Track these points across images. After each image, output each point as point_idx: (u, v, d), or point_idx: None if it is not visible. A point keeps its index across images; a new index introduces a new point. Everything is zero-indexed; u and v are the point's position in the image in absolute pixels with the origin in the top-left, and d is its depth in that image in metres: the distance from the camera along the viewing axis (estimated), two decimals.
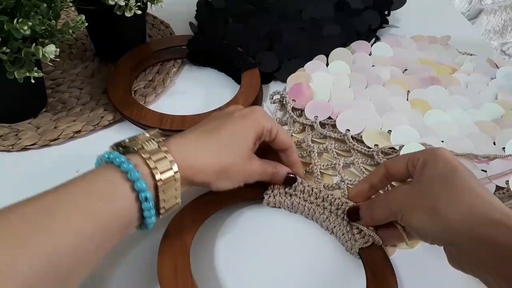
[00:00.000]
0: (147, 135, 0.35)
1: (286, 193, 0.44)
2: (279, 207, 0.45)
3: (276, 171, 0.43)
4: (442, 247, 0.35)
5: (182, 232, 0.39)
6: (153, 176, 0.32)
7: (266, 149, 0.43)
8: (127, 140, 0.35)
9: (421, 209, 0.35)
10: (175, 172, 0.33)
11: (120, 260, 0.40)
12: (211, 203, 0.42)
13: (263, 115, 0.41)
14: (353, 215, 0.41)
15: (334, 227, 0.42)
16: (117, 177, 0.31)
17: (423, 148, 0.48)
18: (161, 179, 0.32)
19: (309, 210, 0.43)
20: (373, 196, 0.42)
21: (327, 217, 0.43)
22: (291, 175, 0.43)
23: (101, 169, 0.32)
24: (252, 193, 0.44)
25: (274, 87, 0.60)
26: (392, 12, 0.71)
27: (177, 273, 0.36)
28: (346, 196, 0.45)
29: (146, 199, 0.32)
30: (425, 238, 0.35)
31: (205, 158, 0.36)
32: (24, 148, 0.50)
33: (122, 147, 0.34)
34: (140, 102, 0.55)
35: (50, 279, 0.27)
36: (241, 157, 0.38)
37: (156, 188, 0.33)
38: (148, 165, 0.32)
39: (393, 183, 0.44)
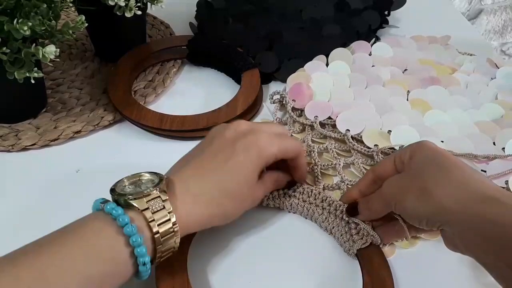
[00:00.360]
0: (155, 191, 0.33)
1: (285, 194, 0.44)
2: (278, 208, 0.45)
3: (276, 184, 0.43)
4: (443, 246, 0.35)
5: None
6: (153, 237, 0.32)
7: None
8: (131, 193, 0.33)
9: (412, 192, 0.35)
10: (174, 223, 0.33)
11: None
12: None
13: (268, 141, 0.38)
14: (352, 210, 0.41)
15: (333, 227, 0.42)
16: (119, 241, 0.30)
17: None
18: (158, 231, 0.32)
19: (308, 211, 0.43)
20: None
21: (326, 218, 0.43)
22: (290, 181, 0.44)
23: (102, 227, 0.31)
24: None
25: (274, 87, 0.60)
26: (392, 12, 0.71)
27: (174, 277, 0.36)
28: None
29: (144, 263, 0.31)
30: (419, 221, 0.35)
31: (206, 210, 0.36)
32: (24, 148, 0.50)
33: (124, 195, 0.33)
34: (140, 102, 0.55)
35: None
36: (241, 200, 0.38)
37: (153, 242, 0.32)
38: (150, 229, 0.32)
39: None
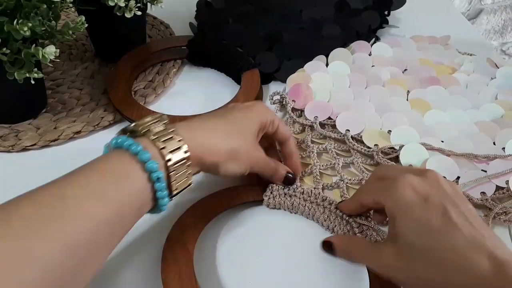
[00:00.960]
0: (152, 117, 0.35)
1: (285, 194, 0.44)
2: (279, 209, 0.45)
3: (278, 167, 0.43)
4: None
5: (184, 237, 0.39)
6: (163, 156, 0.32)
7: (265, 147, 0.44)
8: (132, 125, 0.34)
9: (410, 278, 0.33)
10: (185, 152, 0.33)
11: (124, 264, 0.40)
12: (210, 207, 0.42)
13: (265, 108, 0.43)
14: (328, 247, 0.40)
15: (335, 226, 0.42)
16: (128, 159, 0.31)
17: (423, 148, 0.48)
18: (171, 159, 0.32)
19: (310, 210, 0.43)
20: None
21: (327, 216, 0.43)
22: (291, 175, 0.44)
23: (111, 153, 0.32)
24: (252, 195, 0.44)
25: (274, 87, 0.60)
26: (392, 12, 0.71)
27: (181, 278, 0.36)
28: (346, 197, 0.45)
29: (158, 179, 0.31)
30: None
31: (215, 138, 0.37)
32: (24, 149, 0.50)
33: (129, 132, 0.34)
34: (140, 103, 0.55)
35: (69, 265, 0.27)
36: (249, 141, 0.39)
37: (167, 168, 0.32)
38: (157, 146, 0.32)
39: None
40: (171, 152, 0.32)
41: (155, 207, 0.33)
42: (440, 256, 0.31)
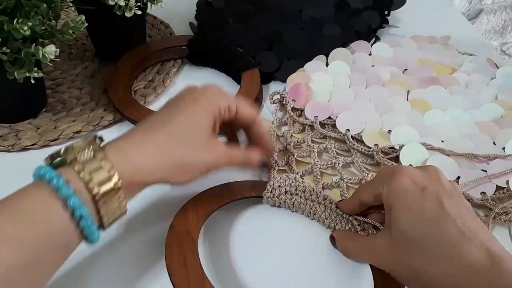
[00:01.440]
0: (84, 142, 0.31)
1: (286, 192, 0.44)
2: (279, 206, 0.45)
3: (247, 158, 0.40)
4: None
5: (188, 226, 0.39)
6: (89, 190, 0.29)
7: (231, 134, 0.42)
8: (62, 150, 0.31)
9: (401, 269, 0.34)
10: (117, 181, 0.30)
11: (126, 251, 0.41)
12: (213, 200, 0.42)
13: (216, 93, 0.38)
14: (332, 240, 0.41)
15: (336, 224, 0.42)
16: (47, 195, 0.28)
17: (423, 148, 0.48)
18: (98, 192, 0.29)
19: (311, 208, 0.43)
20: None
21: (329, 215, 0.43)
22: (265, 161, 0.42)
23: (31, 188, 0.29)
24: (256, 191, 0.44)
25: (274, 87, 0.60)
26: (392, 12, 0.71)
27: (187, 266, 0.36)
28: (346, 196, 0.45)
29: (82, 217, 0.29)
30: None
31: (154, 157, 0.33)
32: (24, 148, 0.50)
33: (57, 158, 0.31)
34: (140, 102, 0.55)
35: None
36: (197, 147, 0.35)
37: (95, 202, 0.30)
38: (82, 179, 0.29)
39: None
40: (99, 184, 0.29)
41: (87, 240, 0.31)
42: (434, 246, 0.31)
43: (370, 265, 0.39)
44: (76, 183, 0.29)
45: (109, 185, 0.30)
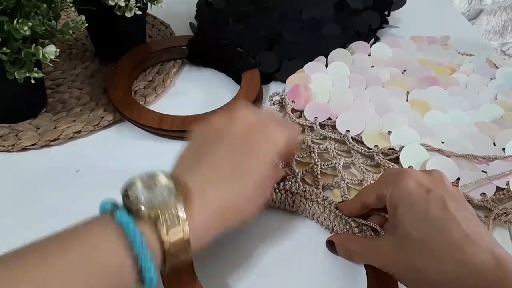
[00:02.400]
0: (172, 203, 0.30)
1: (286, 191, 0.44)
2: (279, 206, 0.45)
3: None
4: None
5: None
6: (163, 251, 0.29)
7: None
8: (145, 202, 0.30)
9: (404, 270, 0.33)
10: (187, 244, 0.30)
11: None
12: None
13: (280, 135, 0.37)
14: (330, 245, 0.40)
15: (335, 225, 0.42)
16: (127, 255, 0.28)
17: (423, 149, 0.48)
18: (170, 253, 0.29)
19: (310, 208, 0.43)
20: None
21: (327, 216, 0.43)
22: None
23: (109, 238, 0.29)
24: None
25: (274, 87, 0.60)
26: (392, 12, 0.71)
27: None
28: (346, 197, 0.45)
29: (151, 279, 0.29)
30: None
31: (229, 221, 0.33)
32: (24, 149, 0.50)
33: (137, 204, 0.30)
34: (140, 103, 0.55)
35: None
36: (261, 201, 0.35)
37: (164, 255, 0.30)
38: (161, 242, 0.29)
39: None
40: (171, 239, 0.29)
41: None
42: (439, 247, 0.31)
43: (365, 266, 0.39)
44: (152, 242, 0.29)
45: (180, 239, 0.30)
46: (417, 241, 0.32)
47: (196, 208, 0.31)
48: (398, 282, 0.38)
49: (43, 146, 0.51)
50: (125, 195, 0.31)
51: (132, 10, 0.52)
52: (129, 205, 0.30)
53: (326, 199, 0.43)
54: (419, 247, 0.32)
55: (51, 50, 0.43)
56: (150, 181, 0.31)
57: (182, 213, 0.30)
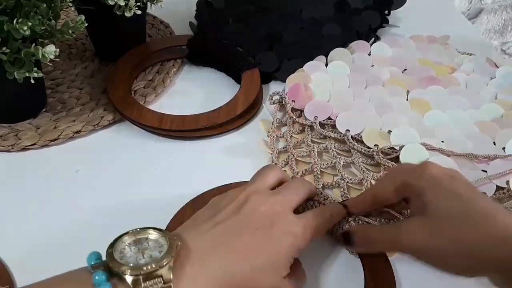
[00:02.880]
0: (159, 268, 0.28)
1: None
2: None
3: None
4: None
5: None
6: None
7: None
8: (128, 263, 0.28)
9: (443, 247, 0.33)
10: None
11: None
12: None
13: (303, 230, 0.35)
14: (347, 237, 0.38)
15: (334, 226, 0.42)
16: None
17: (423, 148, 0.48)
18: None
19: (311, 208, 0.43)
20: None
21: None
22: None
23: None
24: None
25: (274, 87, 0.60)
26: (392, 12, 0.71)
27: None
28: (346, 196, 0.45)
29: None
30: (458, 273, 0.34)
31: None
32: (24, 148, 0.50)
33: (120, 266, 0.28)
34: (140, 102, 0.55)
35: None
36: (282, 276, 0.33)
37: None
38: None
39: None
40: None
41: None
42: (472, 216, 0.32)
43: (363, 265, 0.39)
44: None
45: None
46: (453, 213, 0.33)
47: (190, 273, 0.29)
48: (396, 282, 0.38)
49: (43, 146, 0.51)
50: (110, 252, 0.29)
51: (131, 9, 0.52)
52: (111, 266, 0.28)
53: (327, 199, 0.43)
54: (452, 219, 0.33)
55: (50, 50, 0.43)
56: (140, 235, 0.30)
57: (169, 275, 0.28)
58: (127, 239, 0.30)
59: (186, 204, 0.42)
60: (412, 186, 0.36)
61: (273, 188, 0.38)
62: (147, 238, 0.30)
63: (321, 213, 0.38)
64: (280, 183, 0.39)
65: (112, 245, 0.29)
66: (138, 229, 0.30)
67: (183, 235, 0.32)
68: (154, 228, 0.31)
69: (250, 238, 0.32)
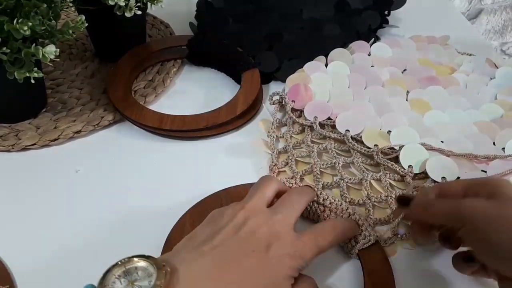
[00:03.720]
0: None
1: None
2: None
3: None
4: None
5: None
6: None
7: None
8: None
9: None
10: None
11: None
12: (210, 208, 0.42)
13: (305, 248, 0.34)
14: (403, 201, 0.37)
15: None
16: None
17: (423, 149, 0.48)
18: None
19: (310, 208, 0.43)
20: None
21: (327, 216, 0.43)
22: None
23: None
24: None
25: (274, 87, 0.60)
26: (392, 12, 0.71)
27: None
28: (346, 196, 0.45)
29: None
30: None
31: None
32: (24, 148, 0.51)
33: None
34: (140, 102, 0.55)
35: None
36: None
37: None
38: None
39: None
40: None
41: None
42: None
43: (362, 266, 0.39)
44: None
45: None
46: None
47: None
48: (396, 282, 0.38)
49: (43, 146, 0.51)
50: (101, 281, 0.29)
51: (132, 10, 0.52)
52: None
53: (326, 199, 0.43)
54: None
55: (51, 50, 0.43)
56: (129, 264, 0.30)
57: None
58: (117, 271, 0.30)
59: (186, 212, 0.42)
60: (485, 188, 0.34)
61: (272, 201, 0.38)
62: (136, 268, 0.30)
63: (326, 231, 0.37)
64: (278, 194, 0.39)
65: (102, 280, 0.29)
66: (126, 259, 0.30)
67: (177, 259, 0.31)
68: (143, 256, 0.30)
69: (247, 263, 0.31)
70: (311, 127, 0.53)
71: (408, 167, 0.47)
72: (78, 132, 0.52)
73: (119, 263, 0.30)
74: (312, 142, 0.51)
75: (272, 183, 0.39)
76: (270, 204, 0.37)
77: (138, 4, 0.53)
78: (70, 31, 0.46)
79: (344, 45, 0.64)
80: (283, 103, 0.55)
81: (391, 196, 0.45)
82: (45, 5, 0.43)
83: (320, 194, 0.44)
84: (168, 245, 0.39)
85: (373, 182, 0.47)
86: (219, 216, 0.35)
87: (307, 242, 0.35)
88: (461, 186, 0.36)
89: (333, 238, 0.37)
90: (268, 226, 0.34)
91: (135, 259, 0.30)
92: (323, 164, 0.48)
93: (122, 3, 0.50)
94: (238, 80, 0.59)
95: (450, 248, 0.37)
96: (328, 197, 0.43)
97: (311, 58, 0.61)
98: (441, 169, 0.46)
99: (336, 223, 0.39)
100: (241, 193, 0.44)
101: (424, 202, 0.36)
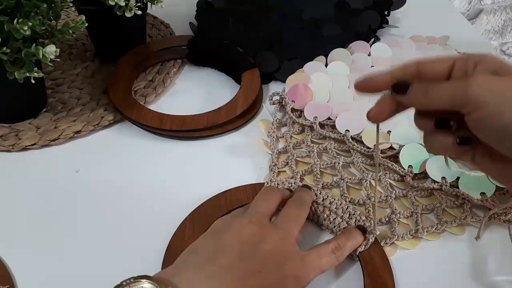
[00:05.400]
0: None
1: None
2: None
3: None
4: None
5: (184, 246, 0.39)
6: None
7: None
8: None
9: None
10: None
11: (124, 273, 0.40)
12: (210, 213, 0.42)
13: (311, 266, 0.35)
14: (400, 88, 0.33)
15: (334, 226, 0.42)
16: None
17: (423, 149, 0.48)
18: None
19: (310, 208, 0.43)
20: None
21: (327, 216, 0.43)
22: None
23: None
24: (253, 196, 0.44)
25: (274, 87, 0.60)
26: (392, 12, 0.71)
27: None
28: (345, 196, 0.45)
29: None
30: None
31: None
32: (24, 148, 0.51)
33: None
34: (140, 102, 0.55)
35: None
36: None
37: None
38: None
39: None
40: None
41: None
42: None
43: (362, 266, 0.39)
44: None
45: None
46: None
47: None
48: (395, 282, 0.38)
49: (43, 146, 0.51)
50: None
51: (132, 10, 0.52)
52: None
53: (326, 199, 0.43)
54: None
55: (51, 50, 0.43)
56: (135, 285, 0.30)
57: None
58: None
59: (186, 218, 0.42)
60: (472, 61, 0.30)
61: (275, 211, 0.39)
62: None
63: (330, 252, 0.37)
64: (281, 203, 0.40)
65: None
66: (132, 279, 0.30)
67: (182, 280, 0.30)
68: (148, 278, 0.30)
69: (254, 285, 0.31)
70: (311, 127, 0.53)
71: (408, 167, 0.47)
72: (78, 132, 0.52)
73: (124, 283, 0.29)
74: (312, 142, 0.51)
75: (275, 194, 0.39)
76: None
77: (138, 4, 0.53)
78: (70, 31, 0.46)
79: (344, 45, 0.64)
80: (283, 103, 0.55)
81: (391, 196, 0.45)
82: (45, 5, 0.43)
83: (320, 194, 0.44)
84: (169, 252, 0.39)
85: (373, 182, 0.47)
86: (223, 228, 0.35)
87: (312, 263, 0.35)
88: (447, 63, 0.31)
89: (337, 261, 0.37)
90: (272, 242, 0.34)
91: (141, 280, 0.29)
92: (323, 164, 0.48)
93: (122, 3, 0.50)
94: (238, 80, 0.59)
95: (447, 135, 0.31)
96: (327, 196, 0.43)
97: (311, 58, 0.61)
98: (442, 169, 0.46)
99: (340, 244, 0.38)
100: (241, 195, 0.44)
101: (424, 86, 0.31)
